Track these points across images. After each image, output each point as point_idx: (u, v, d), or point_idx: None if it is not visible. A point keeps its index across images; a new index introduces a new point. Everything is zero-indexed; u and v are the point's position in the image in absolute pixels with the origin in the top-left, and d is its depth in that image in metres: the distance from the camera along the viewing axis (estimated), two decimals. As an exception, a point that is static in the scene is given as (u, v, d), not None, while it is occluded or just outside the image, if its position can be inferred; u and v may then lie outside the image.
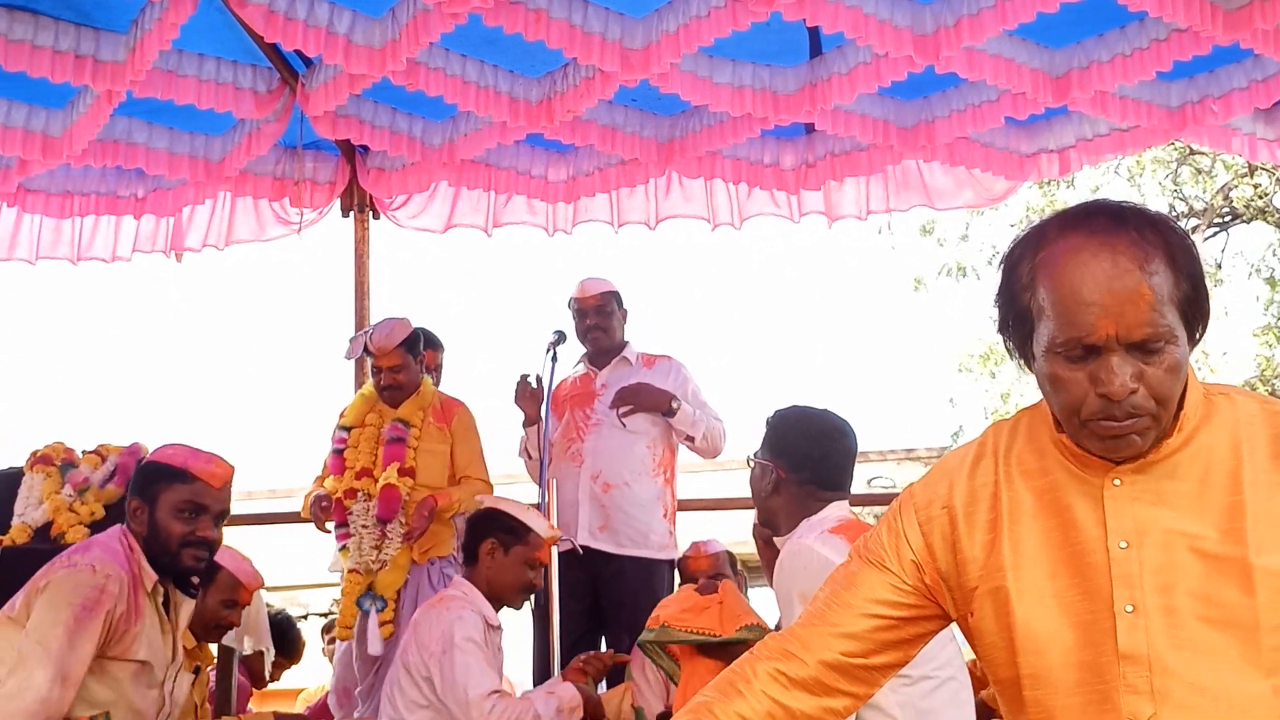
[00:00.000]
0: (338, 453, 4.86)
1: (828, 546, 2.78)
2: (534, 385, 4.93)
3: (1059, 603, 1.67)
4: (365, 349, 4.90)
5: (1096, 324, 1.56)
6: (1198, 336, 1.63)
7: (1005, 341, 1.71)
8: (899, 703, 2.74)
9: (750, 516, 3.43)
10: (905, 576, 1.81)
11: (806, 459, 3.05)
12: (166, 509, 3.33)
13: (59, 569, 3.21)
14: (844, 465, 3.13)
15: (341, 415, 4.97)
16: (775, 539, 3.13)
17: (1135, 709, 1.60)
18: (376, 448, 4.83)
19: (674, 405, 4.92)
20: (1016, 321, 1.66)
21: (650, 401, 4.94)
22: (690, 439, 5.00)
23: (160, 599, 3.36)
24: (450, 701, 3.79)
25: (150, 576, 3.32)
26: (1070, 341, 1.58)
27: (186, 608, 3.51)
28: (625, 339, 5.22)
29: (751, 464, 3.16)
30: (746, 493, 3.24)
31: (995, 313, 1.71)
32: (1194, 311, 1.60)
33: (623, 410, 4.91)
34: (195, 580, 3.51)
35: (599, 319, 5.12)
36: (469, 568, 4.13)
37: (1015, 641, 1.70)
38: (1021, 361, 1.71)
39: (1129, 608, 1.61)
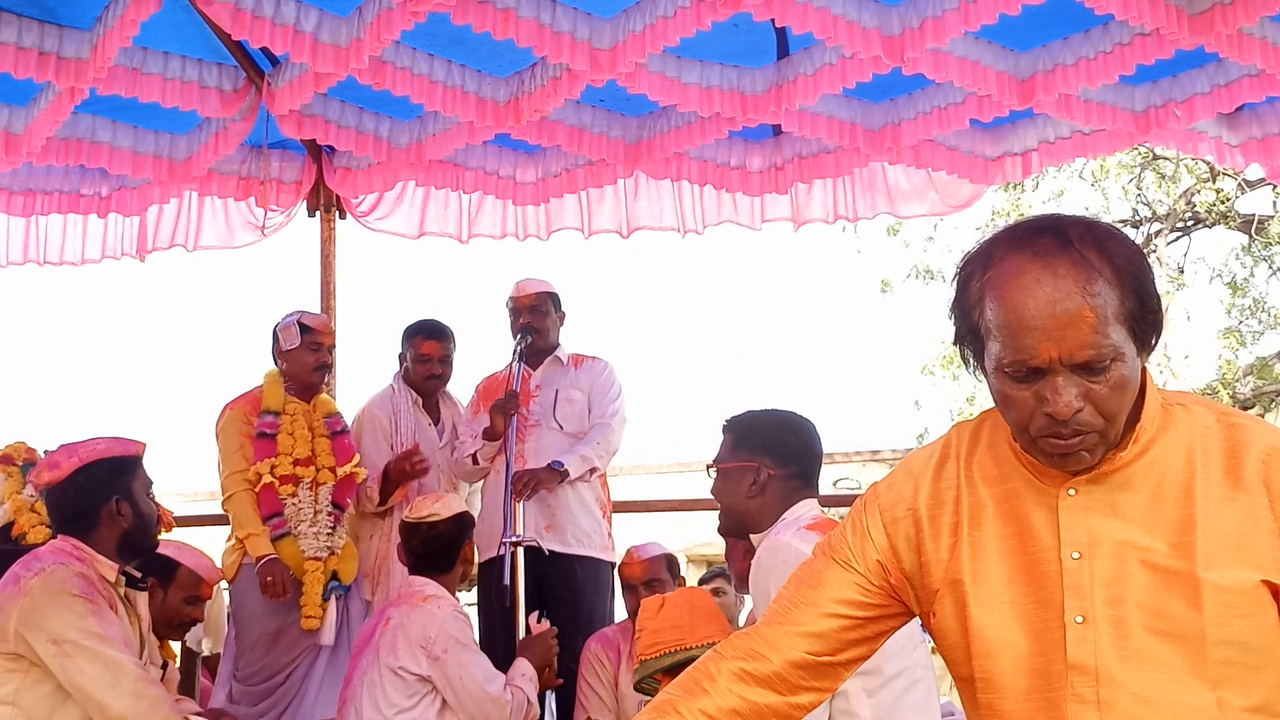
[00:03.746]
0: (266, 437, 4.76)
1: (806, 544, 2.77)
2: (516, 404, 4.90)
3: (1013, 610, 1.69)
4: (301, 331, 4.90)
5: (1039, 348, 1.58)
6: (1153, 343, 1.65)
7: (961, 352, 1.74)
8: (870, 704, 2.75)
9: (709, 518, 3.39)
10: (871, 576, 1.82)
11: (792, 452, 3.04)
12: (140, 496, 3.44)
13: (28, 580, 3.18)
14: (820, 459, 3.13)
15: (252, 399, 4.87)
16: (753, 537, 3.10)
17: (1081, 718, 1.62)
18: (312, 437, 4.82)
19: (564, 472, 4.90)
20: (969, 336, 1.69)
21: (547, 479, 4.89)
22: (594, 470, 5.04)
23: (121, 592, 3.37)
24: (461, 696, 3.92)
25: (111, 569, 3.32)
26: (1015, 364, 1.61)
27: (141, 600, 3.53)
28: (558, 340, 5.25)
29: (715, 473, 3.12)
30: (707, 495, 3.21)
31: (952, 324, 1.73)
32: (1143, 324, 1.62)
33: (526, 496, 4.81)
34: (139, 574, 3.56)
35: (533, 318, 5.13)
36: (442, 575, 4.19)
37: (970, 645, 1.72)
38: (978, 372, 1.72)
39: (1079, 618, 1.64)
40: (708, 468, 3.14)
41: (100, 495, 3.36)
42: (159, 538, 3.59)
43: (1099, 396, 1.59)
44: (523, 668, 4.18)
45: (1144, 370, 1.69)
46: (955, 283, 1.71)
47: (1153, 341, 1.65)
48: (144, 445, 3.54)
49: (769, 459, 3.03)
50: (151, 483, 3.50)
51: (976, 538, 1.74)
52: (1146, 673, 1.60)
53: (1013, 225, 1.69)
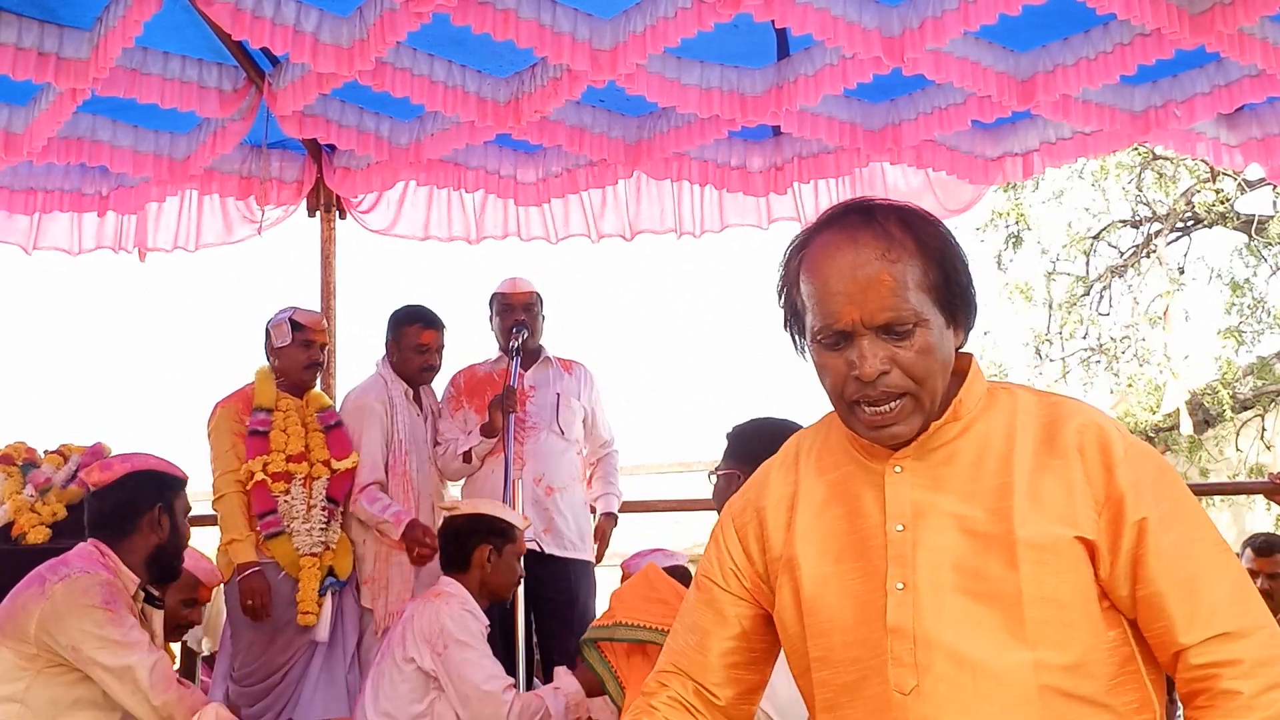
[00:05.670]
0: (258, 434, 4.73)
1: None
2: (514, 401, 4.89)
3: (841, 585, 1.76)
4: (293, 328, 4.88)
5: (842, 311, 1.68)
6: (967, 322, 1.75)
7: (791, 336, 1.82)
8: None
9: (709, 518, 3.41)
10: (730, 588, 1.91)
11: (767, 454, 3.06)
12: (181, 516, 3.52)
13: (52, 585, 3.20)
14: None
15: (244, 396, 4.84)
16: None
17: (900, 681, 1.68)
18: (305, 432, 4.80)
19: (616, 517, 5.29)
20: (793, 316, 1.79)
21: (608, 526, 5.29)
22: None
23: (139, 606, 3.39)
24: (459, 695, 3.89)
25: (132, 581, 3.34)
26: (824, 329, 1.70)
27: (156, 618, 3.54)
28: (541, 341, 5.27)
29: (715, 479, 3.17)
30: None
31: (780, 308, 1.82)
32: (950, 298, 1.71)
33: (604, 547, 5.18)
34: (158, 592, 3.56)
35: (528, 316, 5.14)
36: (457, 573, 4.19)
37: (805, 624, 1.79)
38: (804, 354, 1.80)
39: (899, 585, 1.70)
40: (709, 474, 3.20)
41: (146, 502, 3.45)
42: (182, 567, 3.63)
43: (905, 360, 1.68)
44: (562, 680, 4.07)
45: (970, 357, 1.79)
46: (780, 268, 1.80)
47: (966, 320, 1.75)
48: (187, 477, 3.64)
49: (747, 467, 3.07)
50: (189, 510, 3.57)
51: (806, 523, 1.82)
52: (963, 634, 1.66)
53: (829, 209, 1.79)
